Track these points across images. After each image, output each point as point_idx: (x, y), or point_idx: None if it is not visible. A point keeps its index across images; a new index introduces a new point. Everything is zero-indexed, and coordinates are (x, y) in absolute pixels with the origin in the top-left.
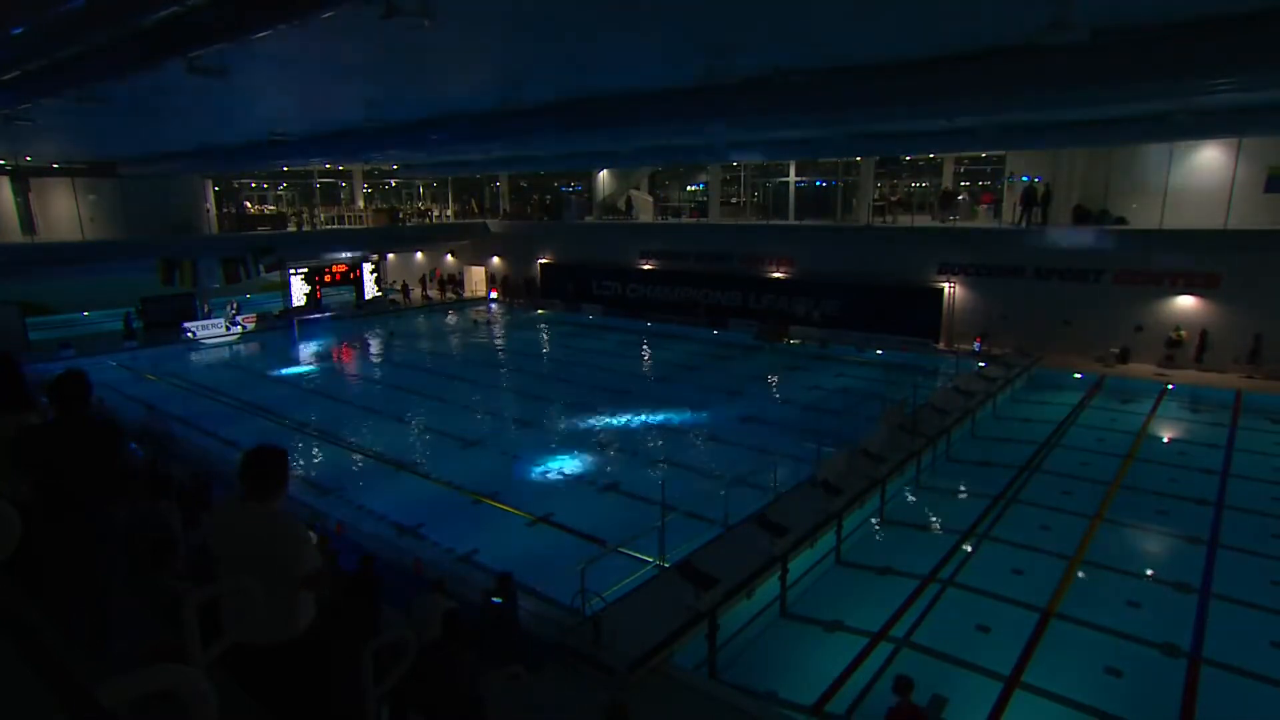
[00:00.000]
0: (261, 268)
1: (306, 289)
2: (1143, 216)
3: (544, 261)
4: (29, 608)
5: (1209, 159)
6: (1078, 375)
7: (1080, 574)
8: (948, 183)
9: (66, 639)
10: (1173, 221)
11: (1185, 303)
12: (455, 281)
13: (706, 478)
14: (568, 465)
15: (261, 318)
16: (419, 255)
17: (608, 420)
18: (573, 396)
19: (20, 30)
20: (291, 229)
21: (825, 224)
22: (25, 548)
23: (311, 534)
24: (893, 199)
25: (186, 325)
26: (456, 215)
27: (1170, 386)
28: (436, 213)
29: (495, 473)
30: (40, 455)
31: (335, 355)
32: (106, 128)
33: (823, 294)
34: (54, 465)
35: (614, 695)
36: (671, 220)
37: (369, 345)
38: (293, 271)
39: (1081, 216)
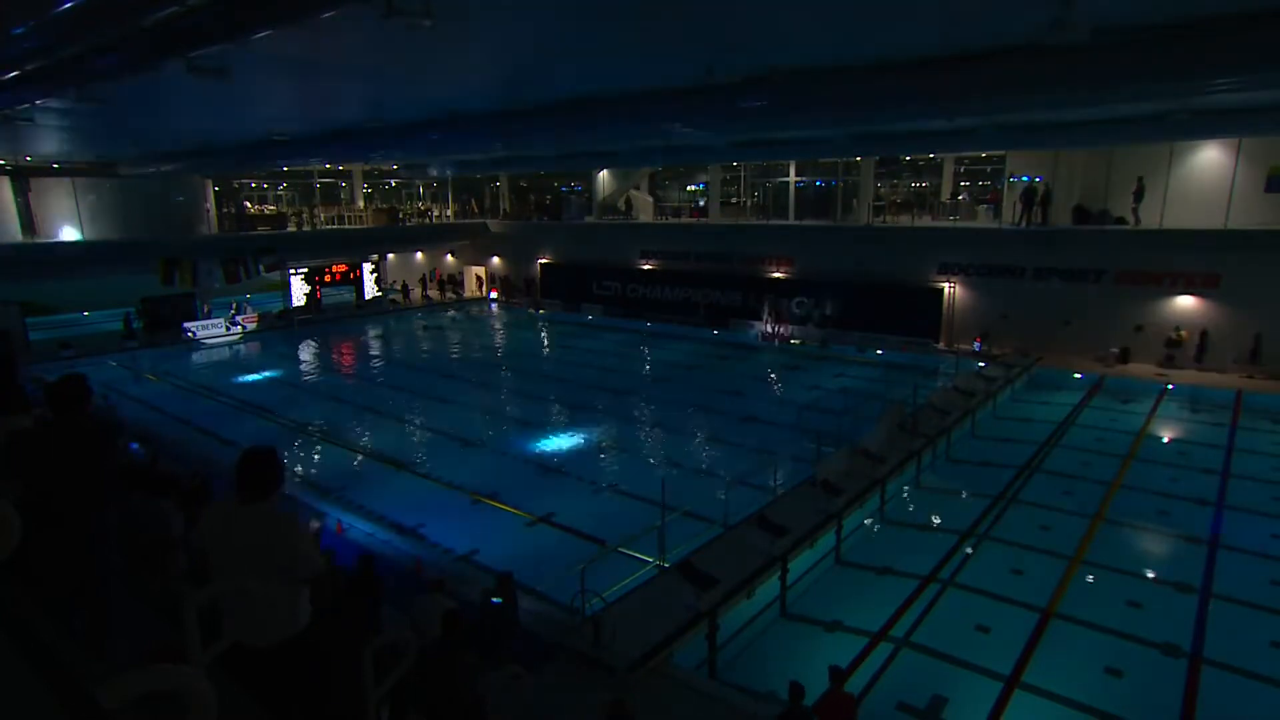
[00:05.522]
0: (261, 268)
1: (306, 289)
2: (1143, 216)
3: (544, 261)
4: (29, 608)
5: (1209, 159)
6: (1078, 375)
7: (1080, 574)
8: (948, 183)
9: (67, 639)
10: (1173, 221)
11: (1185, 303)
12: (455, 282)
13: (706, 478)
14: (567, 465)
15: (262, 317)
16: (419, 255)
17: (608, 420)
18: (573, 396)
19: (20, 30)
20: (291, 229)
21: (825, 224)
22: (21, 549)
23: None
24: (894, 200)
25: (186, 325)
26: (456, 215)
27: (1170, 386)
28: (437, 213)
29: (495, 472)
30: (30, 459)
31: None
32: (107, 128)
33: (823, 294)
34: (44, 468)
35: (614, 695)
36: (671, 220)
37: (368, 346)
38: (293, 271)
39: (1081, 216)
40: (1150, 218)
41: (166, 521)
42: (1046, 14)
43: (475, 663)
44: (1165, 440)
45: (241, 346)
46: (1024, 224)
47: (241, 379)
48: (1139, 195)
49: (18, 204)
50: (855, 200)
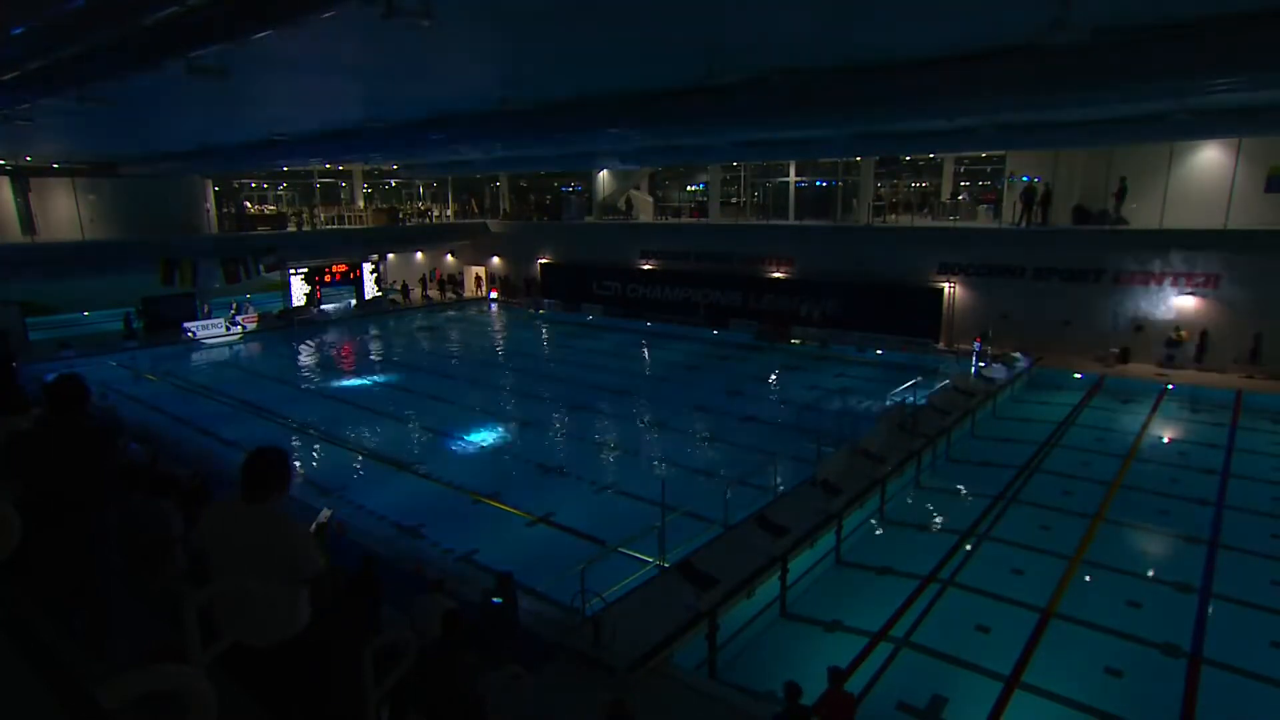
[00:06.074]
0: (262, 268)
1: (306, 289)
2: (1143, 216)
3: (544, 261)
4: (29, 608)
5: (1209, 159)
6: (1078, 375)
7: (1080, 574)
8: (948, 183)
9: (67, 639)
10: (1173, 221)
11: (1185, 303)
12: (455, 282)
13: (706, 478)
14: (568, 465)
15: (262, 318)
16: (419, 255)
17: (608, 420)
18: (573, 396)
19: (20, 30)
20: (291, 229)
21: (825, 224)
22: (21, 549)
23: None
24: (894, 200)
25: (186, 325)
26: (456, 215)
27: (1170, 386)
28: (436, 213)
29: (496, 472)
30: (30, 459)
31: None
32: (106, 128)
33: (823, 294)
34: (44, 468)
35: (614, 695)
36: (671, 220)
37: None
38: (293, 271)
39: (1082, 217)
40: (1150, 218)
41: (166, 521)
42: (1046, 14)
43: (475, 663)
44: (1165, 440)
45: (241, 346)
46: (1024, 224)
47: (241, 379)
48: (1121, 195)
49: (18, 204)
50: (855, 200)
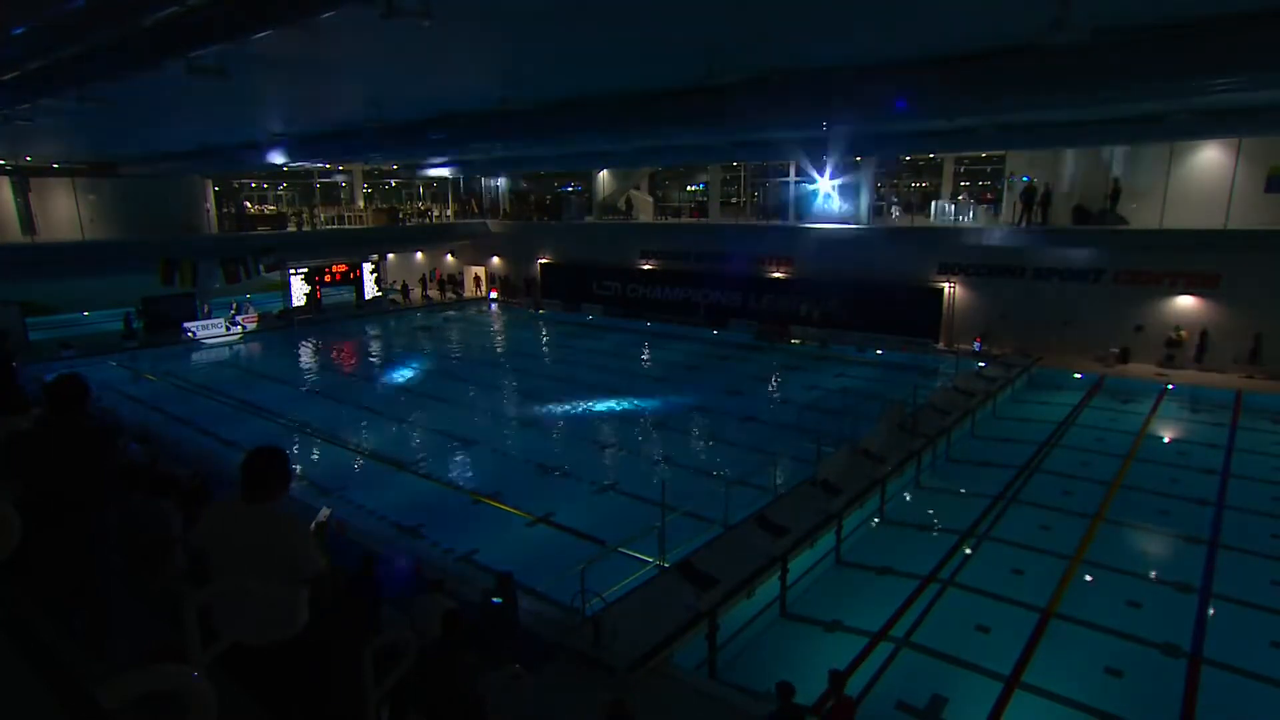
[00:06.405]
0: (262, 268)
1: (306, 289)
2: (1143, 216)
3: (544, 261)
4: (29, 608)
5: (1209, 159)
6: (1078, 375)
7: (1080, 574)
8: (948, 183)
9: (67, 639)
10: (1173, 221)
11: (1185, 303)
12: (455, 282)
13: (706, 478)
14: (568, 465)
15: (262, 318)
16: (419, 255)
17: (608, 420)
18: (573, 396)
19: (20, 30)
20: (291, 229)
21: (825, 224)
22: (21, 549)
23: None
24: (894, 200)
25: (186, 325)
26: (456, 215)
27: (1170, 386)
28: (436, 213)
29: (496, 472)
30: (30, 459)
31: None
32: (106, 128)
33: (823, 294)
34: (44, 468)
35: (614, 695)
36: (671, 220)
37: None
38: (293, 271)
39: (1081, 217)
40: (1150, 218)
41: (166, 521)
42: (1046, 14)
43: (475, 663)
44: (1165, 440)
45: (242, 346)
46: (1024, 224)
47: (241, 379)
48: (1116, 195)
49: (18, 204)
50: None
